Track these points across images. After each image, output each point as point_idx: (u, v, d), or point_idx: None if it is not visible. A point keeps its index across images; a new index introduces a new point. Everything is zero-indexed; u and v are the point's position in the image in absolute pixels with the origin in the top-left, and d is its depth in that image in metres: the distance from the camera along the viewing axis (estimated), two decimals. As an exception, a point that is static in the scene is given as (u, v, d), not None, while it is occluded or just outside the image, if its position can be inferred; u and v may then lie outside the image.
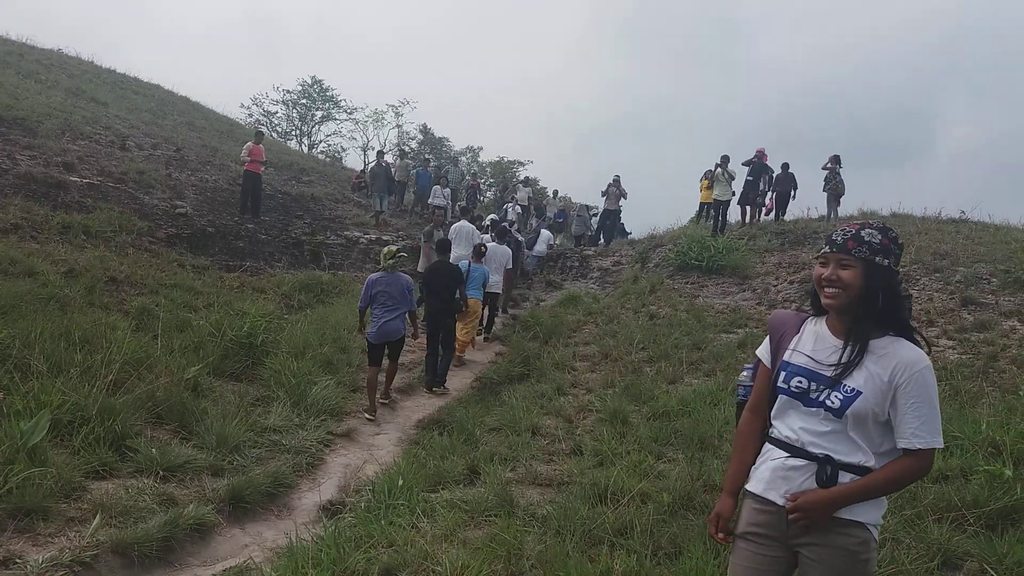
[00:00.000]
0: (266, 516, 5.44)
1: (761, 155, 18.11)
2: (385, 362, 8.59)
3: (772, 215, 18.48)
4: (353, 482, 6.12)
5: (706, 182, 18.75)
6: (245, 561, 4.56)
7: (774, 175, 18.15)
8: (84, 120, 17.48)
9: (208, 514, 4.99)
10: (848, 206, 19.16)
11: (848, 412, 2.35)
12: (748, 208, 18.60)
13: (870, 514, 2.37)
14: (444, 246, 10.43)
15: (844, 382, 2.37)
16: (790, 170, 18.34)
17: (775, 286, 13.92)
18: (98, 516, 4.63)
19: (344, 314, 11.43)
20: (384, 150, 24.60)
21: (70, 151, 14.49)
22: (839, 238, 2.44)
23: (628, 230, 23.49)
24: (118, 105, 21.46)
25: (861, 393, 2.34)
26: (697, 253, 15.61)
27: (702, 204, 19.39)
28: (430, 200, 20.39)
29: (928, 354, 2.39)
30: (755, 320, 11.80)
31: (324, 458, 6.67)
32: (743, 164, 18.14)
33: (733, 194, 18.14)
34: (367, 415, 8.09)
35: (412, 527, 4.58)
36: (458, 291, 9.97)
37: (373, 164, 21.68)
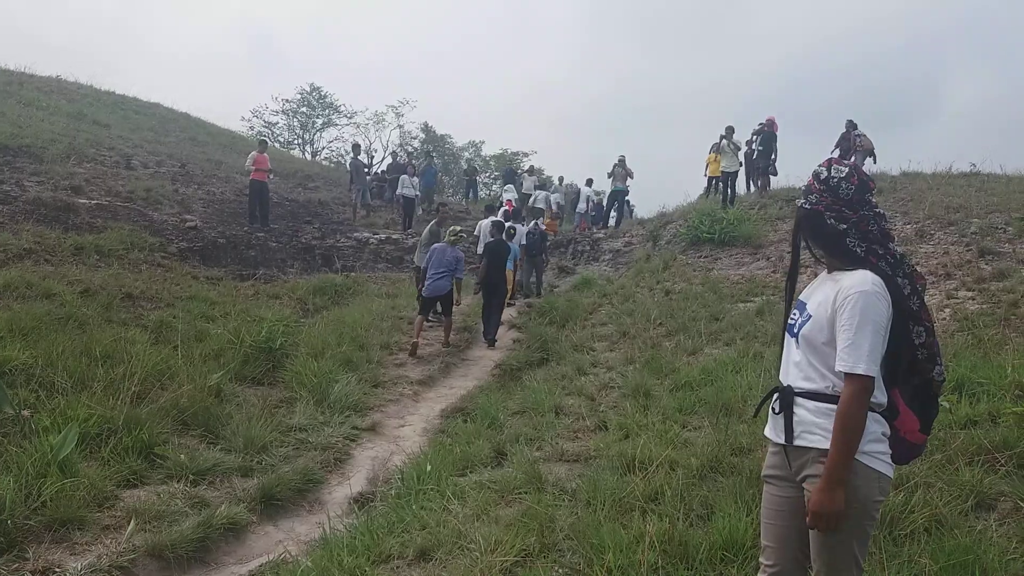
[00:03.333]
0: (298, 512, 5.48)
1: (771, 123, 17.99)
2: (440, 319, 11.04)
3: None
4: (382, 473, 6.15)
5: (713, 155, 18.62)
6: (281, 555, 4.58)
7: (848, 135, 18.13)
8: (88, 143, 17.55)
9: (240, 513, 5.03)
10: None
11: (799, 334, 2.51)
12: (758, 177, 18.55)
13: None
14: (500, 227, 12.57)
15: (808, 307, 2.53)
16: (856, 131, 18.07)
17: (789, 253, 13.81)
18: (132, 522, 4.68)
19: (360, 313, 11.50)
20: (359, 144, 24.57)
21: (77, 174, 14.57)
22: None
23: (633, 206, 23.55)
24: (120, 126, 21.54)
25: (812, 316, 2.48)
26: (708, 226, 15.52)
27: (710, 178, 19.26)
28: (398, 190, 20.23)
29: (887, 277, 2.43)
30: (771, 288, 11.73)
31: (351, 452, 6.70)
32: (753, 133, 18.07)
33: (740, 164, 18.04)
34: (409, 350, 10.23)
35: (443, 510, 4.58)
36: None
37: (350, 158, 21.69)
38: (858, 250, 2.47)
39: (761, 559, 2.63)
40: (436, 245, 10.99)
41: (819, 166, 2.57)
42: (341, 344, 9.51)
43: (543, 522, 4.11)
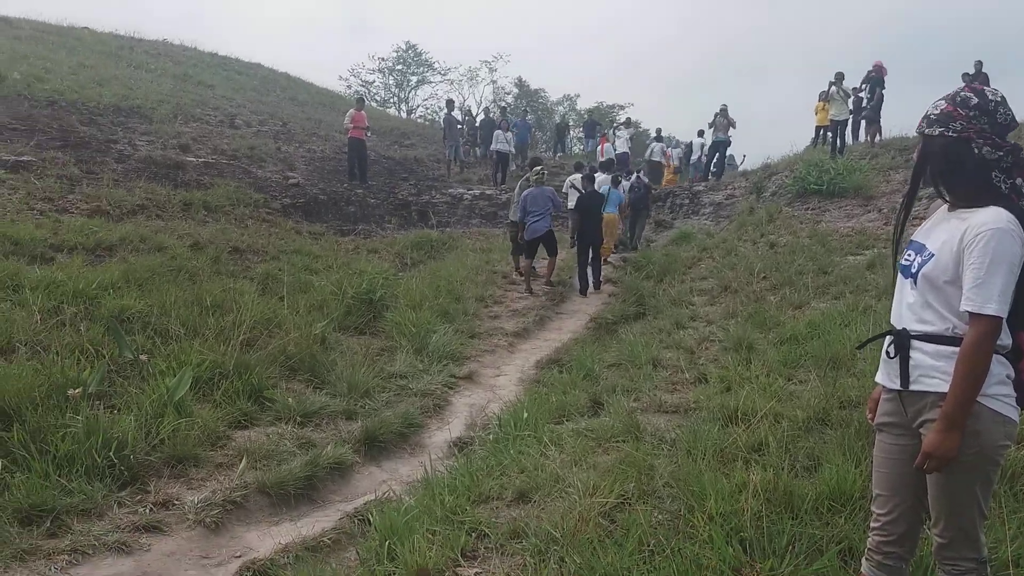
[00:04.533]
0: (400, 454, 5.61)
1: (878, 69, 17.06)
2: (542, 259, 11.58)
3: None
4: (479, 419, 6.22)
5: (821, 104, 17.76)
6: (385, 494, 4.71)
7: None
8: (194, 103, 18.23)
9: (346, 454, 5.18)
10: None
11: (919, 275, 2.33)
12: (866, 125, 17.65)
13: None
14: (591, 179, 12.63)
15: (928, 247, 2.35)
16: (981, 74, 16.52)
17: (904, 195, 13.09)
18: (244, 460, 4.88)
19: (456, 267, 11.63)
20: (452, 100, 24.57)
21: (184, 133, 15.17)
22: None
23: (734, 158, 22.83)
24: (223, 86, 22.26)
25: (934, 256, 2.30)
26: (816, 177, 14.87)
27: (818, 128, 18.41)
28: (492, 146, 20.24)
29: (1021, 213, 2.20)
30: (883, 240, 11.16)
31: (449, 399, 6.80)
32: (863, 81, 17.18)
33: (851, 112, 17.18)
34: (526, 292, 11.01)
35: (541, 455, 4.58)
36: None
37: (444, 114, 21.77)
38: (1002, 186, 2.26)
39: (873, 508, 2.52)
40: (529, 190, 11.30)
41: (962, 91, 2.31)
42: (438, 296, 9.66)
43: (642, 469, 4.06)
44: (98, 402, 5.06)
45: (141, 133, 14.22)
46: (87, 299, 6.76)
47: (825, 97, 17.42)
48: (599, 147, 20.90)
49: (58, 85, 15.14)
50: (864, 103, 17.60)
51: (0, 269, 6.82)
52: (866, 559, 2.50)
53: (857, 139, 18.49)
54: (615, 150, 20.36)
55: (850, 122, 17.65)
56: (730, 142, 20.70)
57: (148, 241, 9.08)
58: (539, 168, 11.76)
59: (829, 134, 17.56)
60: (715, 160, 21.11)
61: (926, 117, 2.35)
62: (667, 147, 22.24)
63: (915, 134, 2.45)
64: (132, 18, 75.70)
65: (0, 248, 7.53)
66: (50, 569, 3.55)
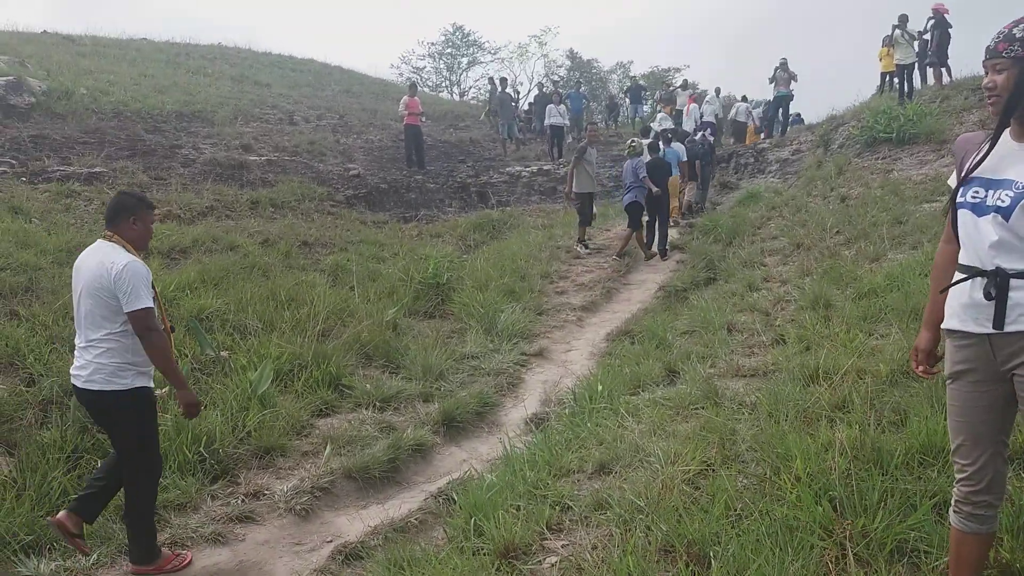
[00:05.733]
0: (478, 433, 5.69)
1: (939, 11, 16.24)
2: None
3: None
4: (554, 395, 6.24)
5: (885, 49, 17.01)
6: (466, 472, 4.77)
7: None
8: (252, 103, 18.55)
9: (425, 435, 5.29)
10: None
11: (1016, 209, 2.15)
12: (933, 69, 16.85)
13: None
14: (655, 145, 13.17)
15: (1015, 179, 2.18)
16: None
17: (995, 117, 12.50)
18: (328, 447, 5.01)
19: (519, 245, 11.64)
20: (505, 77, 24.36)
21: (245, 133, 15.47)
22: (992, 42, 2.23)
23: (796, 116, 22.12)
24: (279, 84, 22.58)
25: None
26: (885, 125, 14.26)
27: (883, 74, 17.66)
28: (546, 121, 19.97)
29: None
30: (960, 184, 10.69)
31: (522, 377, 6.84)
32: (928, 19, 16.39)
33: (917, 56, 16.43)
34: (646, 255, 11.91)
35: (618, 427, 4.57)
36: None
37: (499, 92, 21.56)
38: None
39: (956, 459, 2.40)
40: (625, 163, 12.21)
41: None
42: (503, 276, 9.69)
43: (723, 435, 4.00)
44: (185, 399, 5.25)
45: (204, 136, 14.57)
46: (166, 301, 6.98)
47: (889, 42, 16.68)
48: (686, 106, 20.60)
49: (122, 96, 15.59)
50: (929, 45, 16.82)
51: (85, 278, 7.09)
52: (954, 511, 2.41)
53: (926, 82, 17.70)
54: (702, 116, 19.96)
55: (916, 65, 16.89)
56: (792, 96, 20.07)
57: (220, 241, 9.34)
58: (628, 142, 12.56)
59: (895, 80, 16.84)
60: (779, 115, 20.53)
61: (1017, 41, 2.16)
62: (750, 107, 21.80)
63: (995, 59, 2.21)
64: (190, 29, 77.36)
65: (83, 258, 7.84)
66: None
